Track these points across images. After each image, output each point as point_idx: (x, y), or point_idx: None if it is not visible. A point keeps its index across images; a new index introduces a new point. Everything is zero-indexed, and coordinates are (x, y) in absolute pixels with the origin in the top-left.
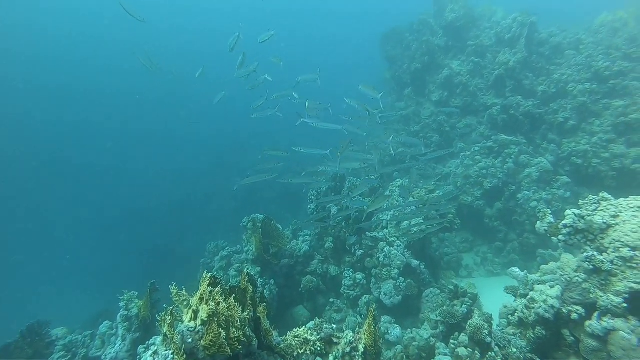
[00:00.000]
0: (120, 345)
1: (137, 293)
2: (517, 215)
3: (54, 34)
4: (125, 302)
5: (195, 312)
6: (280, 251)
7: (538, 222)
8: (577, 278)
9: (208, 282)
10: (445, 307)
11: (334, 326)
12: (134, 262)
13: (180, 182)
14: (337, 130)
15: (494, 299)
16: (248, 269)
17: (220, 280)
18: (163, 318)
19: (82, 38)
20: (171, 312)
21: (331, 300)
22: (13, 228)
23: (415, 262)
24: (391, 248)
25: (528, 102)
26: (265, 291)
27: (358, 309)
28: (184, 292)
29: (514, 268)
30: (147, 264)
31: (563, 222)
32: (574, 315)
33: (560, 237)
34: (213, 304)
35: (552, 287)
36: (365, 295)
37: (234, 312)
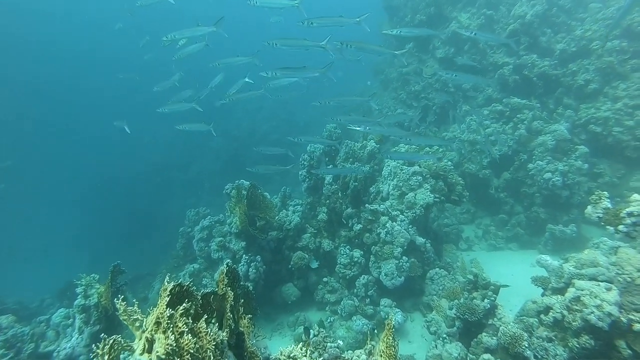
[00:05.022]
0: (77, 339)
1: (98, 276)
2: (526, 187)
3: None
4: (83, 287)
5: (150, 342)
6: (268, 223)
7: (589, 207)
8: None
9: (168, 297)
10: (463, 300)
11: (340, 342)
12: (112, 225)
13: (158, 143)
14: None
15: (496, 274)
16: (232, 243)
17: (190, 288)
18: (100, 353)
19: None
20: (112, 344)
21: (325, 279)
22: None
23: (420, 240)
24: (394, 223)
25: (544, 61)
26: (250, 269)
27: (355, 290)
28: (135, 308)
29: (543, 255)
30: (126, 228)
31: (627, 209)
32: (637, 326)
33: (620, 227)
34: (173, 336)
35: (608, 289)
36: (363, 276)
37: (205, 342)
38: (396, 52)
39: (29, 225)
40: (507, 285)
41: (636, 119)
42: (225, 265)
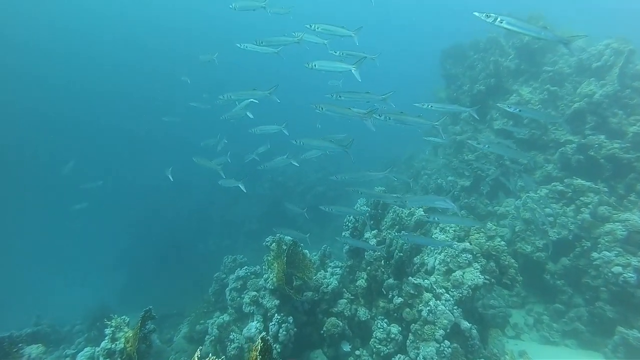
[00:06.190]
0: None
1: (128, 319)
2: (589, 278)
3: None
4: (112, 329)
5: None
6: (305, 284)
7: None
8: None
9: None
10: None
11: None
12: (150, 255)
13: (204, 182)
14: None
15: None
16: (265, 299)
17: None
18: None
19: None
20: None
21: (357, 352)
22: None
23: (465, 324)
24: (438, 302)
25: (614, 143)
26: (281, 330)
27: None
28: None
29: None
30: (162, 260)
31: None
32: None
33: None
34: None
35: None
36: (399, 355)
37: None
38: (435, 124)
39: (78, 244)
40: None
41: None
42: (260, 340)
